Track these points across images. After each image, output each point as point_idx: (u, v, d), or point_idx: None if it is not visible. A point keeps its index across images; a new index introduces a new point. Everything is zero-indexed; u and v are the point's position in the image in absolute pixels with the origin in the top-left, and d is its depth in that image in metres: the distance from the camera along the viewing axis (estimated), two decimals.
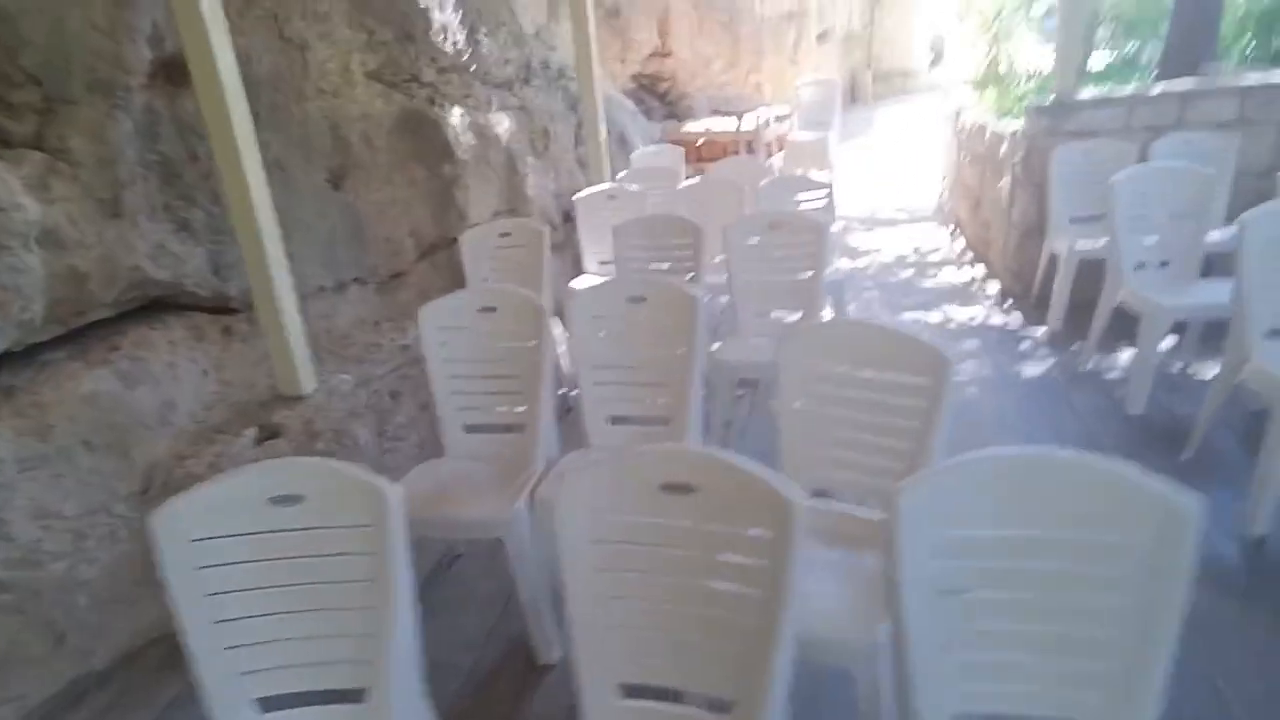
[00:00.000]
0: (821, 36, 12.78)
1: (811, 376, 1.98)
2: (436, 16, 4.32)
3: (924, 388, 1.84)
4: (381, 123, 3.99)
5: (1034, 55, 13.76)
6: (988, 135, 5.57)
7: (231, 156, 2.71)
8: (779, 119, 8.20)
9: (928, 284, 5.55)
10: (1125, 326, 3.59)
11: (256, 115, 3.17)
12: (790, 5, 11.16)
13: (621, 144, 6.62)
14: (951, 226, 6.76)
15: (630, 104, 7.68)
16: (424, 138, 4.14)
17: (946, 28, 15.23)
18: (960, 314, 4.89)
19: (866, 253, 6.45)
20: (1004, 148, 5.09)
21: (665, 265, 3.59)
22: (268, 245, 2.84)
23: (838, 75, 13.79)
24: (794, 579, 1.31)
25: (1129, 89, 4.87)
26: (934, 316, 4.89)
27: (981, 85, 9.02)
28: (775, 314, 3.49)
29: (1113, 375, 3.79)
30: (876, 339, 1.94)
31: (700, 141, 7.72)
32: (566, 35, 6.91)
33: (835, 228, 7.27)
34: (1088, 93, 4.65)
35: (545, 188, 5.23)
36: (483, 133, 4.62)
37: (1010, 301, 4.94)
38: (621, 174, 5.44)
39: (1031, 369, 4.03)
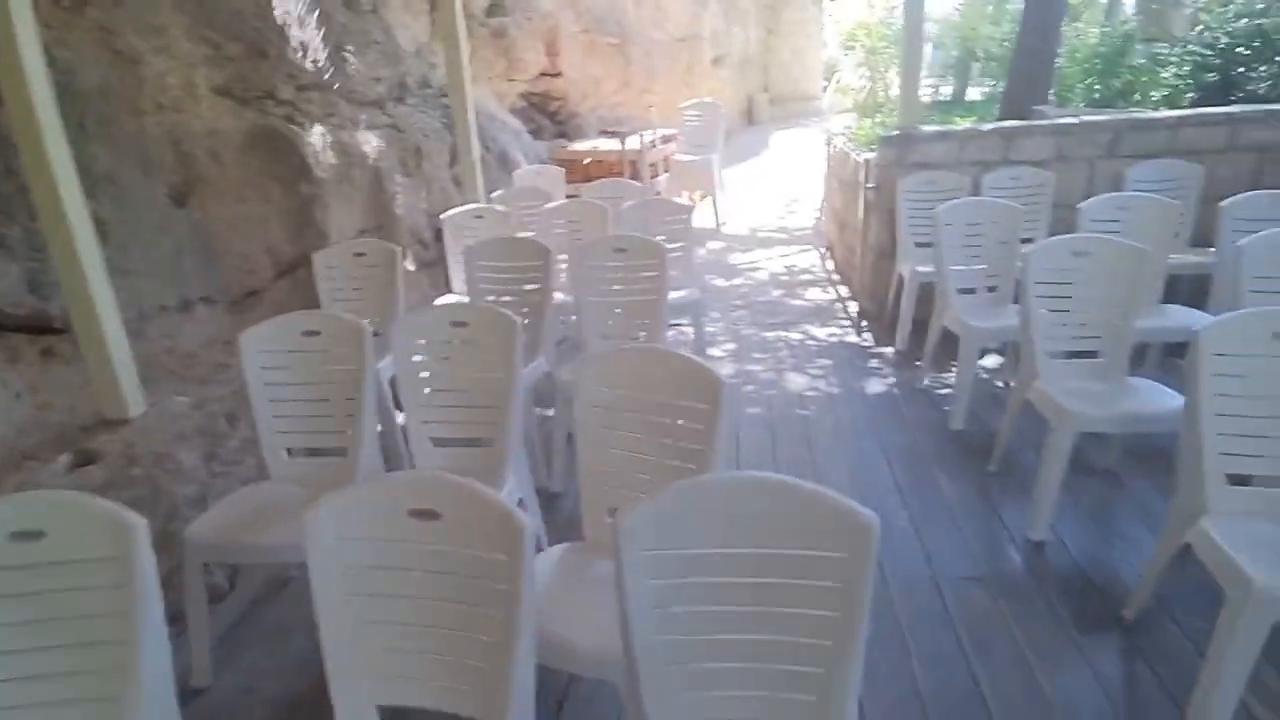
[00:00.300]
0: (717, 60, 13.15)
1: (603, 401, 2.07)
2: (295, 34, 4.29)
3: (704, 411, 1.95)
4: (231, 139, 3.92)
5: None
6: (850, 162, 5.86)
7: (43, 170, 2.64)
8: (665, 140, 8.40)
9: (794, 303, 5.78)
10: (956, 347, 3.86)
11: (83, 128, 3.09)
12: (684, 30, 11.45)
13: (503, 162, 6.66)
14: (824, 248, 7.06)
15: (517, 123, 7.74)
16: (279, 155, 4.09)
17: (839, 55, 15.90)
18: (820, 332, 5.12)
19: (743, 271, 6.67)
20: (860, 175, 5.38)
21: (517, 287, 3.65)
22: (85, 262, 2.76)
23: (733, 98, 14.22)
24: (528, 597, 1.38)
25: (962, 126, 5.22)
26: (795, 335, 5.11)
27: (863, 112, 9.48)
28: (620, 336, 3.59)
29: (944, 392, 4.05)
30: (663, 364, 2.04)
31: (588, 161, 7.83)
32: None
33: (716, 246, 7.52)
34: (929, 128, 4.96)
35: (416, 206, 5.23)
36: (346, 151, 4.59)
37: (866, 322, 5.21)
38: (496, 193, 5.48)
39: (874, 385, 4.26)
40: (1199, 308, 3.53)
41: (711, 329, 5.33)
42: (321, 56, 4.49)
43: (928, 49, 16.92)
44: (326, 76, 4.48)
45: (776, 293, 6.05)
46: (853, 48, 11.81)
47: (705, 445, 1.92)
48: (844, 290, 5.90)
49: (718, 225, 8.04)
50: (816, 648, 1.37)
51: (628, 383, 2.06)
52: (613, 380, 2.08)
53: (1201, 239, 4.04)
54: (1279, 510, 2.04)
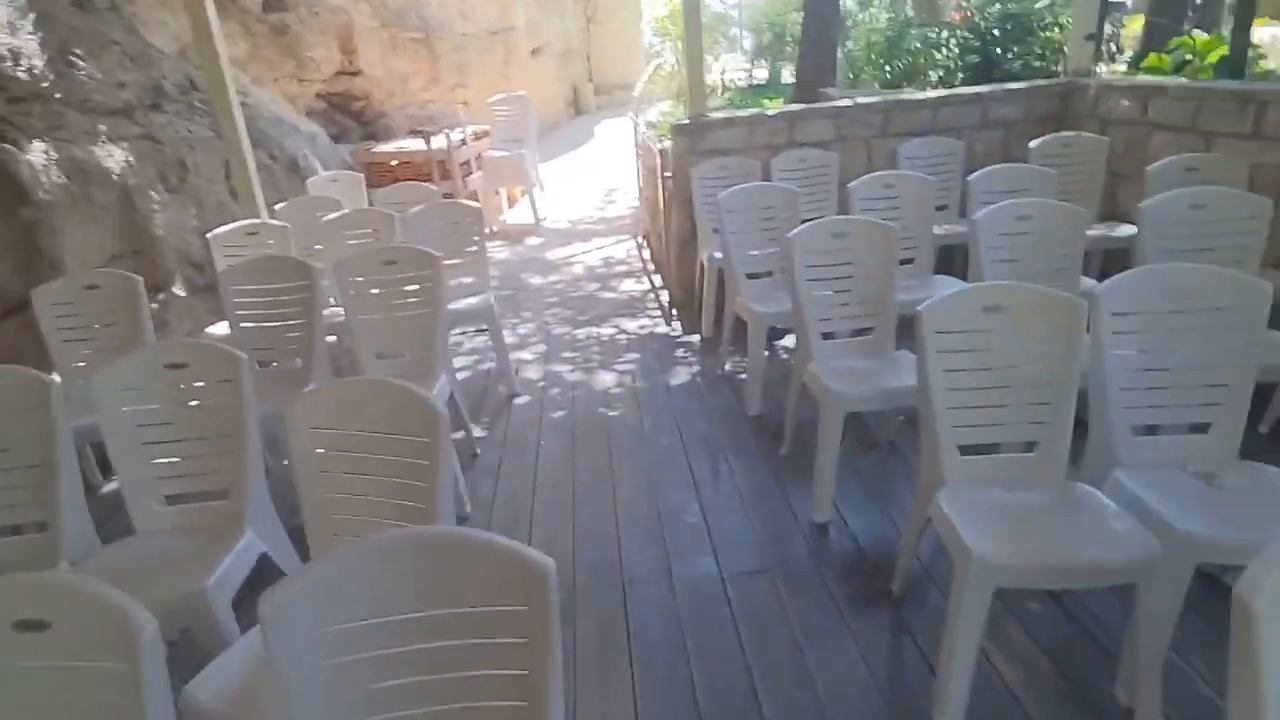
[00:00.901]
0: (536, 52, 12.93)
1: (322, 440, 1.88)
2: (0, 40, 3.74)
3: (426, 445, 1.80)
4: None
5: (731, 72, 15.00)
6: (652, 152, 5.85)
7: None
8: (477, 137, 8.13)
9: (608, 296, 5.72)
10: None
11: None
12: (496, 22, 11.15)
13: (293, 170, 6.20)
14: (640, 238, 7.05)
15: (313, 126, 7.24)
16: None
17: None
18: (631, 325, 5.08)
19: (559, 267, 6.55)
20: (658, 163, 5.37)
21: (281, 310, 3.35)
22: None
23: (557, 89, 14.06)
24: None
25: (748, 112, 5.31)
26: (606, 330, 5.04)
27: (678, 99, 9.55)
28: (396, 353, 3.37)
29: (744, 377, 4.09)
30: (381, 397, 1.87)
31: (395, 163, 7.45)
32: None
33: (534, 242, 7.36)
34: (718, 114, 5.00)
35: (184, 225, 4.74)
36: (81, 168, 4.08)
37: (676, 311, 5.21)
38: (279, 205, 5.06)
39: (679, 375, 4.25)
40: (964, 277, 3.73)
41: (524, 329, 5.18)
42: (39, 63, 3.95)
43: (743, 34, 17.43)
44: (46, 85, 3.94)
45: (591, 287, 5.97)
46: (667, 34, 11.91)
47: (429, 482, 1.77)
48: (658, 279, 5.90)
49: (536, 221, 7.88)
50: (509, 711, 1.26)
51: (347, 418, 1.88)
52: (331, 417, 1.89)
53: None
54: (1008, 477, 2.13)
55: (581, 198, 9.01)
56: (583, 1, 15.33)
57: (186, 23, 6.02)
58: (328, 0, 7.48)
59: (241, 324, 3.34)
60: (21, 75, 3.83)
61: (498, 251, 7.16)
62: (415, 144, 7.40)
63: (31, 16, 3.98)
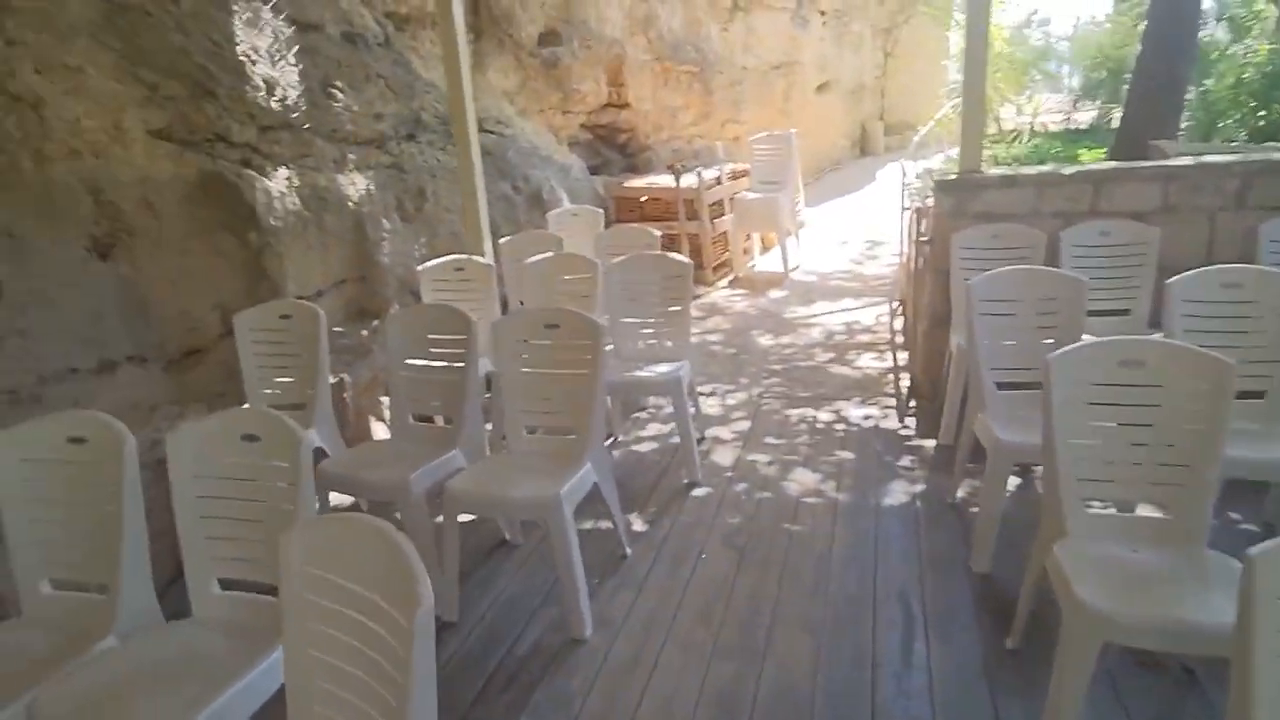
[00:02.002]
0: (823, 88, 12.28)
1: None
2: (260, 70, 3.96)
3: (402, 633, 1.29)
4: (171, 186, 3.61)
5: (1048, 114, 13.06)
6: (916, 207, 4.97)
7: None
8: (735, 176, 7.68)
9: (839, 371, 4.93)
10: None
11: None
12: (779, 56, 10.70)
13: (536, 202, 6.19)
14: (897, 303, 6.12)
15: (569, 157, 7.28)
16: (225, 203, 3.75)
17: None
18: (855, 413, 4.26)
19: (795, 327, 5.85)
20: (916, 225, 4.49)
21: (440, 363, 3.10)
22: None
23: (843, 128, 13.27)
24: None
25: (1036, 170, 4.23)
26: (825, 414, 4.28)
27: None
28: (548, 426, 2.96)
29: (975, 512, 3.13)
30: (363, 539, 1.40)
31: (644, 199, 7.25)
32: (495, 85, 6.57)
33: (776, 295, 6.72)
34: (996, 171, 4.03)
35: (409, 253, 4.81)
36: (320, 195, 4.23)
37: (914, 403, 4.30)
38: (504, 239, 4.97)
39: (895, 495, 3.39)
40: None
41: (734, 399, 4.58)
42: (294, 94, 4.16)
43: (1069, 70, 15.29)
44: (296, 115, 4.13)
45: (823, 357, 5.20)
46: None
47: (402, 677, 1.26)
48: (903, 358, 4.98)
49: (785, 271, 7.23)
50: None
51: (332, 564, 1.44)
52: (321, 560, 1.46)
53: None
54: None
55: (841, 249, 8.19)
56: (883, 35, 14.38)
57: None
58: (603, 34, 7.50)
59: (400, 372, 3.13)
60: (274, 106, 4.03)
61: (735, 301, 6.63)
62: (665, 180, 7.13)
63: (295, 49, 4.20)
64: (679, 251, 6.96)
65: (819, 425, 4.14)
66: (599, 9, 7.41)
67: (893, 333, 5.51)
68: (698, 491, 3.53)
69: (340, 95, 4.51)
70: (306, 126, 4.18)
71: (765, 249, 8.10)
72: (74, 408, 3.35)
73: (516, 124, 6.70)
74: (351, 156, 4.58)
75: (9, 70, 3.01)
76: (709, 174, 7.22)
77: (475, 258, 4.32)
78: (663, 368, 3.64)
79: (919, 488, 3.42)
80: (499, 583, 2.94)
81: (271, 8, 4.15)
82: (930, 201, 4.28)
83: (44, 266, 3.20)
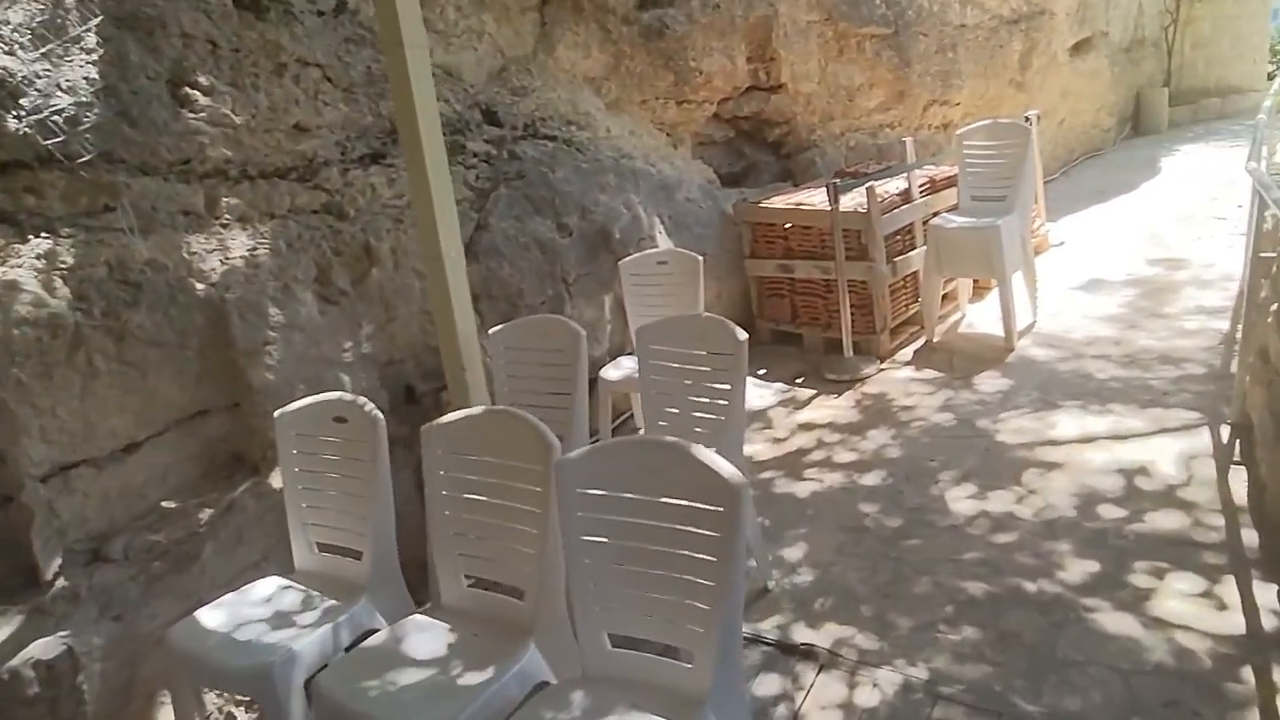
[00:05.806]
0: (1081, 46, 9.00)
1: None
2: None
3: None
4: None
5: None
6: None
7: None
8: (934, 186, 5.09)
9: (1119, 617, 2.38)
10: None
11: None
12: (1020, 6, 7.71)
13: (601, 244, 4.11)
14: (1229, 422, 3.33)
15: (679, 167, 5.10)
16: None
17: None
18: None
19: (1024, 469, 3.28)
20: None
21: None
22: None
23: (1108, 101, 9.84)
24: None
25: None
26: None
27: None
28: None
29: None
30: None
31: (789, 226, 4.90)
32: (570, 69, 4.60)
33: (992, 386, 4.11)
34: None
35: (335, 358, 2.93)
36: (130, 279, 2.46)
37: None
38: (494, 330, 2.93)
39: None
40: None
41: (866, 696, 2.25)
42: (85, 103, 2.39)
43: None
44: (85, 140, 2.35)
45: (1078, 568, 2.65)
46: None
47: None
48: (1253, 538, 2.33)
49: (1008, 337, 4.55)
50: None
51: None
52: None
53: None
54: None
55: (1105, 293, 5.26)
56: None
57: (508, 32, 4.33)
58: None
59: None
60: (28, 127, 2.27)
61: (918, 394, 4.14)
62: (820, 199, 4.73)
63: (97, 21, 2.44)
64: (835, 307, 4.57)
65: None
66: None
67: (1218, 460, 2.79)
68: None
69: (203, 99, 2.71)
70: (119, 159, 2.40)
71: (977, 293, 5.44)
72: None
73: (599, 123, 4.66)
74: (230, 201, 2.77)
75: None
76: (889, 186, 4.73)
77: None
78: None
79: None
80: None
81: None
82: None
83: None
